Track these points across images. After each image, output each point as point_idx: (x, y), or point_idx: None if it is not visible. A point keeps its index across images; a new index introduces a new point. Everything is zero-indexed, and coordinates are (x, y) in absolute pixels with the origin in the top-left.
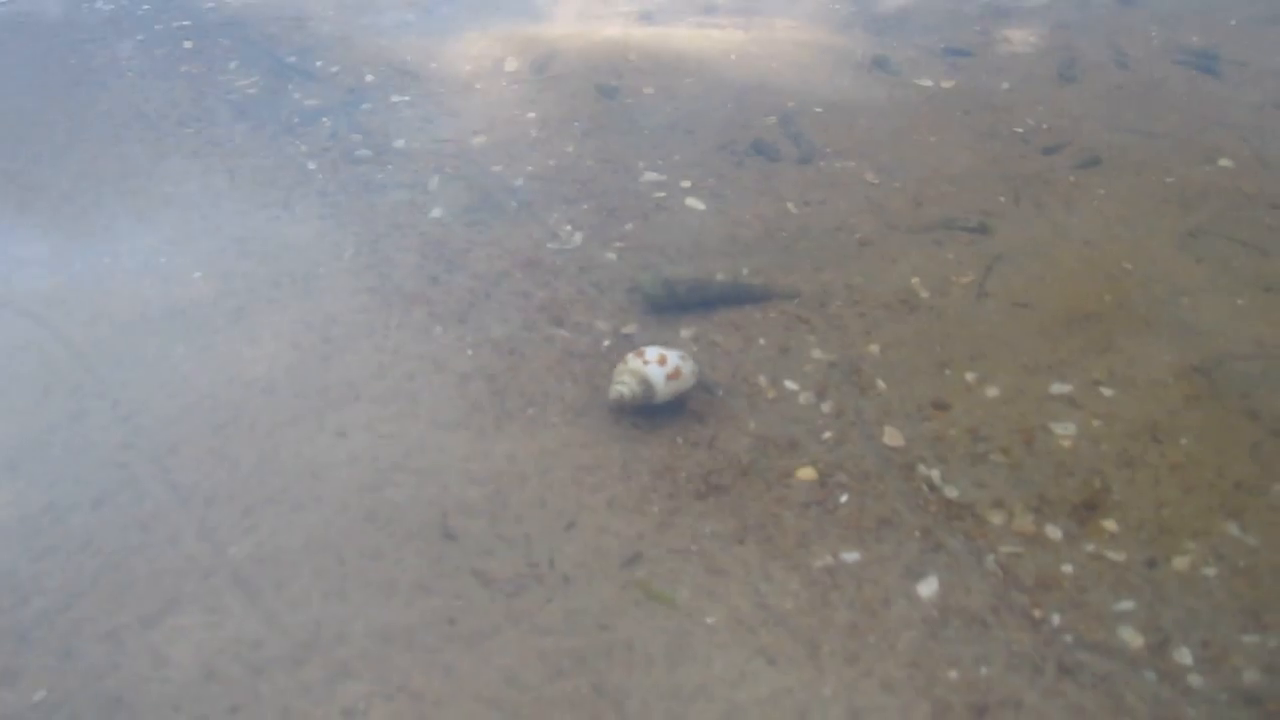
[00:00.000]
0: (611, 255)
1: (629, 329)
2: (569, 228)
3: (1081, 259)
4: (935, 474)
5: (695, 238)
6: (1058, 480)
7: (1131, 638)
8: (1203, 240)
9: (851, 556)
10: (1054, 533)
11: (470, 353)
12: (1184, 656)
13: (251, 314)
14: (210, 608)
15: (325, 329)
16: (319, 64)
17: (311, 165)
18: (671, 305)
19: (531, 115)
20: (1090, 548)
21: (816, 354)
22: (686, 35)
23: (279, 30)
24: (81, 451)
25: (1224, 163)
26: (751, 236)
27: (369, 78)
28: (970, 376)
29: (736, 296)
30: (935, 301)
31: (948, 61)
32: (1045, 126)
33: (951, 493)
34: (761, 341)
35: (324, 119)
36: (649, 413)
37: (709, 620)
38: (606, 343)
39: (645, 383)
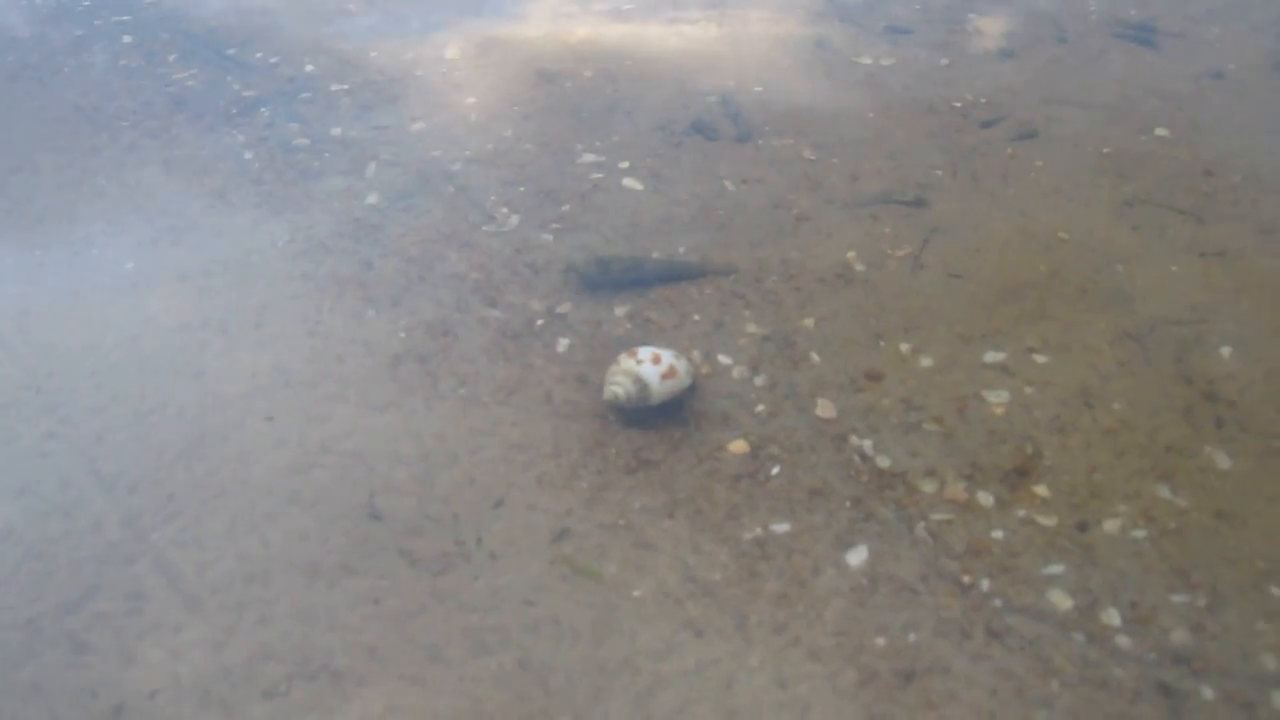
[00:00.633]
0: (548, 236)
1: (563, 308)
2: (505, 210)
3: (1018, 230)
4: (867, 444)
5: (632, 217)
6: (990, 447)
7: (1060, 600)
8: (1139, 209)
9: (782, 528)
10: (985, 499)
11: (403, 335)
12: (1112, 618)
13: (181, 303)
14: (131, 594)
15: (257, 315)
16: (259, 55)
17: (248, 155)
18: (606, 284)
19: (471, 101)
20: (1021, 513)
21: (751, 329)
22: (643, 32)
23: (219, 23)
24: (5, 443)
25: (1160, 132)
26: (688, 215)
27: (309, 68)
28: (904, 347)
29: (672, 274)
30: (871, 275)
31: (889, 39)
32: (984, 101)
33: (883, 462)
34: (696, 317)
35: (262, 109)
36: (644, 415)
37: (636, 593)
38: (540, 322)
39: (640, 382)
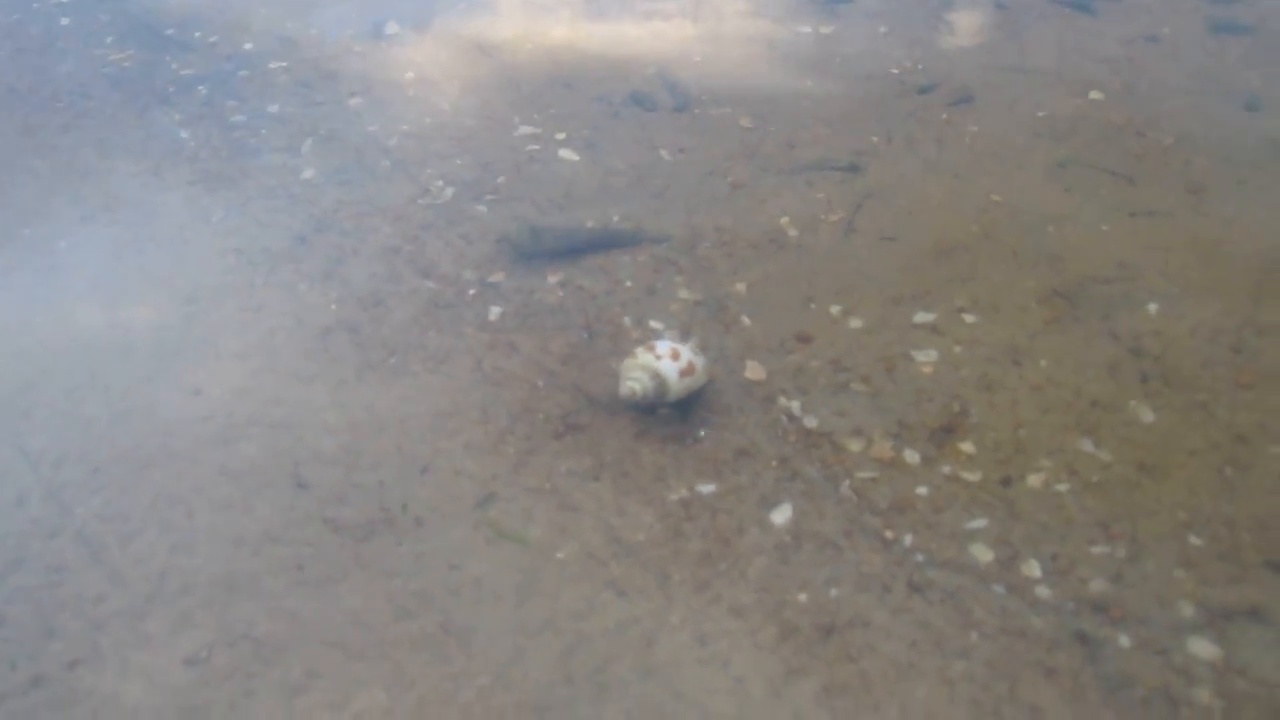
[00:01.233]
0: (482, 208)
1: (496, 278)
2: (441, 183)
3: (951, 193)
4: (795, 405)
5: (567, 188)
6: (917, 406)
7: (982, 554)
8: (1071, 170)
9: (707, 488)
10: (911, 457)
11: (334, 307)
12: (1033, 570)
13: (112, 279)
14: (53, 566)
15: (189, 290)
16: (197, 34)
17: (184, 134)
18: (539, 253)
19: (409, 75)
20: (946, 470)
21: (683, 294)
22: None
23: (157, 4)
24: None
25: (1094, 95)
26: (624, 184)
27: (247, 46)
28: (835, 310)
29: (606, 242)
30: (804, 240)
31: (828, 8)
32: (921, 68)
33: (811, 422)
34: (628, 284)
35: (200, 87)
36: (658, 412)
37: (559, 555)
38: (472, 291)
39: (658, 378)
